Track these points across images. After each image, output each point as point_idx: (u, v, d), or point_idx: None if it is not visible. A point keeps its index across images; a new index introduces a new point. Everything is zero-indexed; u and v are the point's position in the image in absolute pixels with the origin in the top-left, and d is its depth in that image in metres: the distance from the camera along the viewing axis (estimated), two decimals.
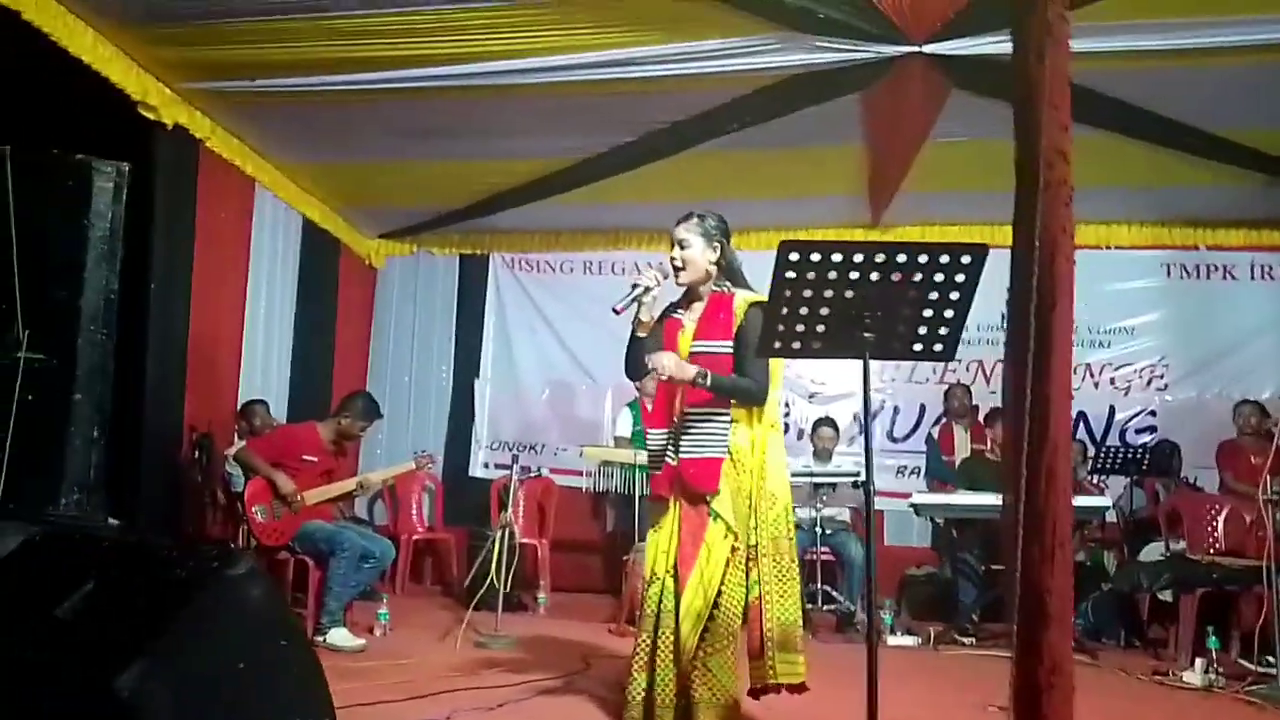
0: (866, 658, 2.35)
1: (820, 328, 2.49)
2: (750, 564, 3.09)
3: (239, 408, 6.05)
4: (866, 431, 2.54)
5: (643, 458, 5.77)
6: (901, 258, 2.40)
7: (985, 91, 4.94)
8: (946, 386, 7.01)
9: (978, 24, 4.34)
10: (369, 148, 6.15)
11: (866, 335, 2.46)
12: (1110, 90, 4.91)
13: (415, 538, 7.03)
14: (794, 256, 2.39)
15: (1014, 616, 1.69)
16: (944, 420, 7.00)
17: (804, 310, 2.47)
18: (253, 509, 4.88)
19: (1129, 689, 4.46)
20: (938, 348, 2.52)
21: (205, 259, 5.72)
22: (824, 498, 5.96)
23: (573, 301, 7.84)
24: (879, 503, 2.56)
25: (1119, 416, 7.15)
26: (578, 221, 7.60)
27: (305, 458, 5.09)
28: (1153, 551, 5.78)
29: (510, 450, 7.44)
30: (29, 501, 3.34)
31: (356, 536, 4.97)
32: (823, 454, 6.49)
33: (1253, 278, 7.18)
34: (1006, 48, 4.26)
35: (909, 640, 5.43)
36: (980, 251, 2.37)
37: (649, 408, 6.51)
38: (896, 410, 7.38)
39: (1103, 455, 6.44)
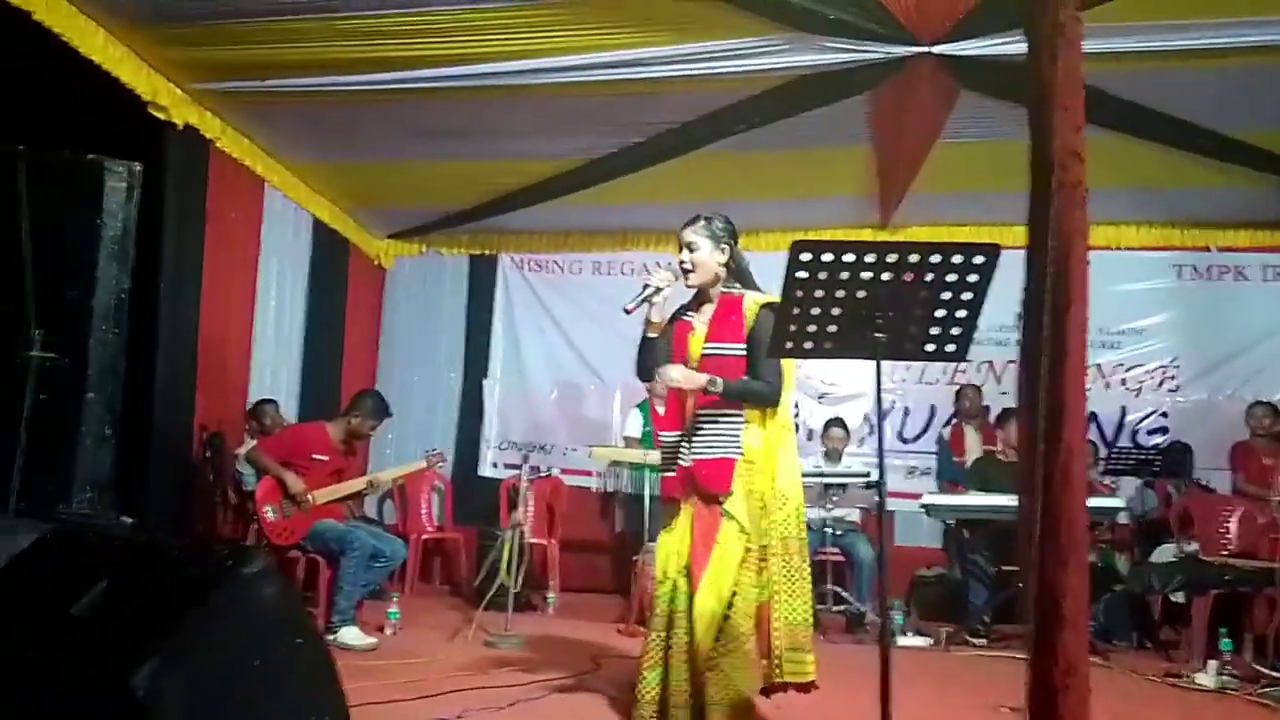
0: (879, 658, 2.34)
1: (832, 328, 2.48)
2: (762, 564, 3.10)
3: (249, 407, 6.07)
4: (879, 432, 2.53)
5: (652, 458, 5.83)
6: (914, 258, 2.39)
7: (994, 92, 4.94)
8: (957, 387, 7.00)
9: (987, 25, 4.33)
10: (379, 148, 6.16)
11: (878, 335, 2.45)
12: (1121, 91, 4.90)
13: (424, 537, 7.05)
14: (806, 256, 2.38)
15: (1029, 618, 1.69)
16: (955, 421, 6.98)
17: (816, 310, 2.46)
18: (264, 508, 4.90)
19: (1141, 690, 4.45)
20: (950, 348, 2.51)
21: (215, 259, 5.73)
22: (834, 498, 5.95)
23: (581, 302, 7.85)
24: (889, 503, 2.56)
25: (1130, 417, 7.12)
26: (586, 222, 7.61)
27: (315, 457, 5.11)
28: (1165, 553, 5.76)
29: (520, 450, 7.46)
30: (41, 500, 3.35)
31: (367, 536, 4.99)
32: (833, 455, 6.49)
33: (1264, 279, 7.14)
34: (1016, 48, 4.29)
35: (920, 641, 5.42)
36: (993, 251, 2.36)
37: (658, 409, 6.52)
38: (907, 411, 7.36)
39: (1114, 456, 6.42)
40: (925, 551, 6.83)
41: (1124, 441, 6.95)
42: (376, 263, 8.09)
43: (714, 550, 3.06)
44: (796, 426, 6.81)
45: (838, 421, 6.65)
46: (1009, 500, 5.20)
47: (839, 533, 6.04)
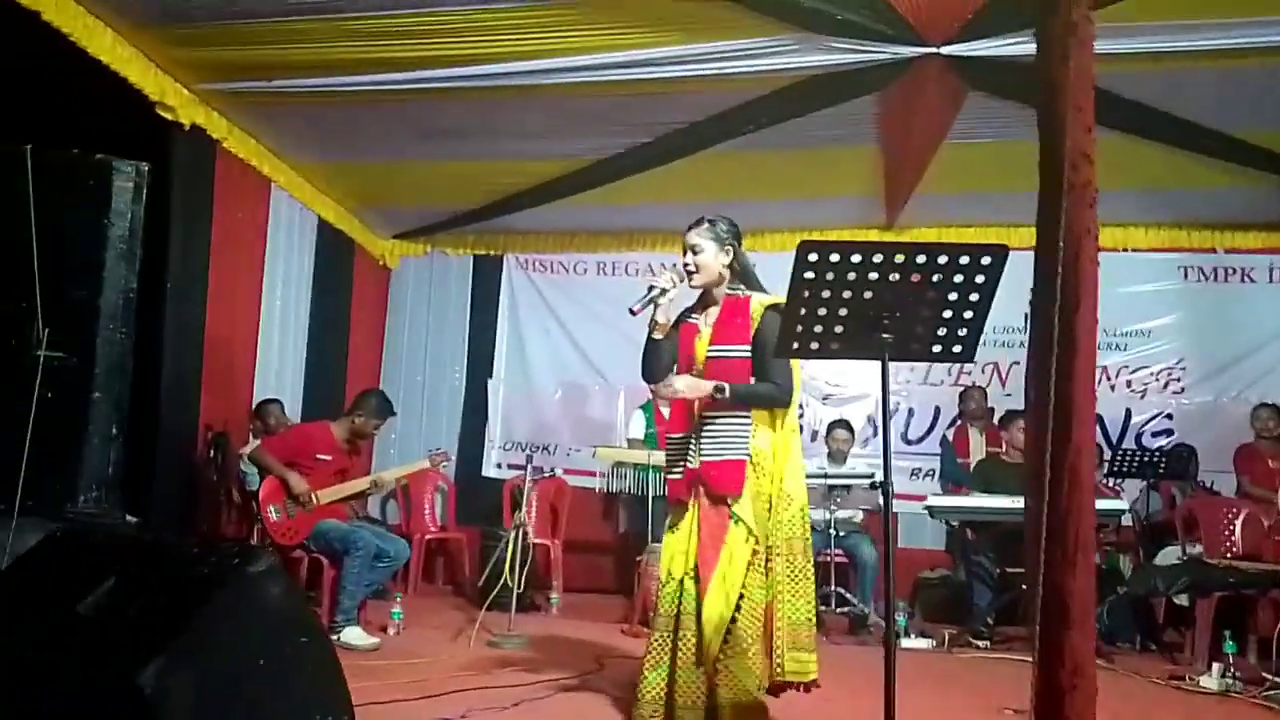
0: (884, 660, 2.34)
1: (839, 328, 2.48)
2: (767, 565, 3.11)
3: (254, 407, 6.08)
4: (885, 432, 2.53)
5: (655, 459, 5.84)
6: (921, 258, 2.38)
7: (1002, 93, 4.94)
8: (962, 389, 7.00)
9: (995, 25, 4.33)
10: (385, 148, 6.17)
11: (885, 336, 2.44)
12: (1127, 92, 4.89)
13: (428, 537, 7.04)
14: (813, 257, 2.37)
15: (1035, 619, 1.69)
16: (959, 423, 6.98)
17: (822, 311, 2.45)
18: (267, 508, 4.90)
19: (1145, 693, 4.44)
20: (957, 349, 2.51)
21: (221, 259, 5.74)
22: (838, 500, 5.94)
23: (586, 302, 7.85)
24: (893, 505, 2.55)
25: (1135, 419, 7.11)
26: (592, 223, 7.61)
27: (319, 456, 5.11)
28: (1169, 555, 5.75)
29: (524, 450, 7.46)
30: (48, 499, 3.36)
31: (371, 535, 4.99)
32: (837, 456, 6.48)
33: (1270, 280, 7.12)
34: (1024, 49, 4.29)
35: (923, 643, 5.41)
36: (1000, 252, 2.35)
37: (663, 410, 6.53)
38: (911, 412, 7.35)
39: (1119, 458, 6.40)
40: (929, 553, 6.81)
41: (1129, 443, 6.93)
42: (381, 263, 8.09)
43: (721, 553, 3.06)
44: (801, 428, 6.81)
45: (842, 423, 6.65)
46: (1013, 502, 5.20)
47: (843, 534, 6.03)
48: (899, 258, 2.39)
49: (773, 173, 6.24)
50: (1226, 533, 5.52)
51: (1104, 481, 6.31)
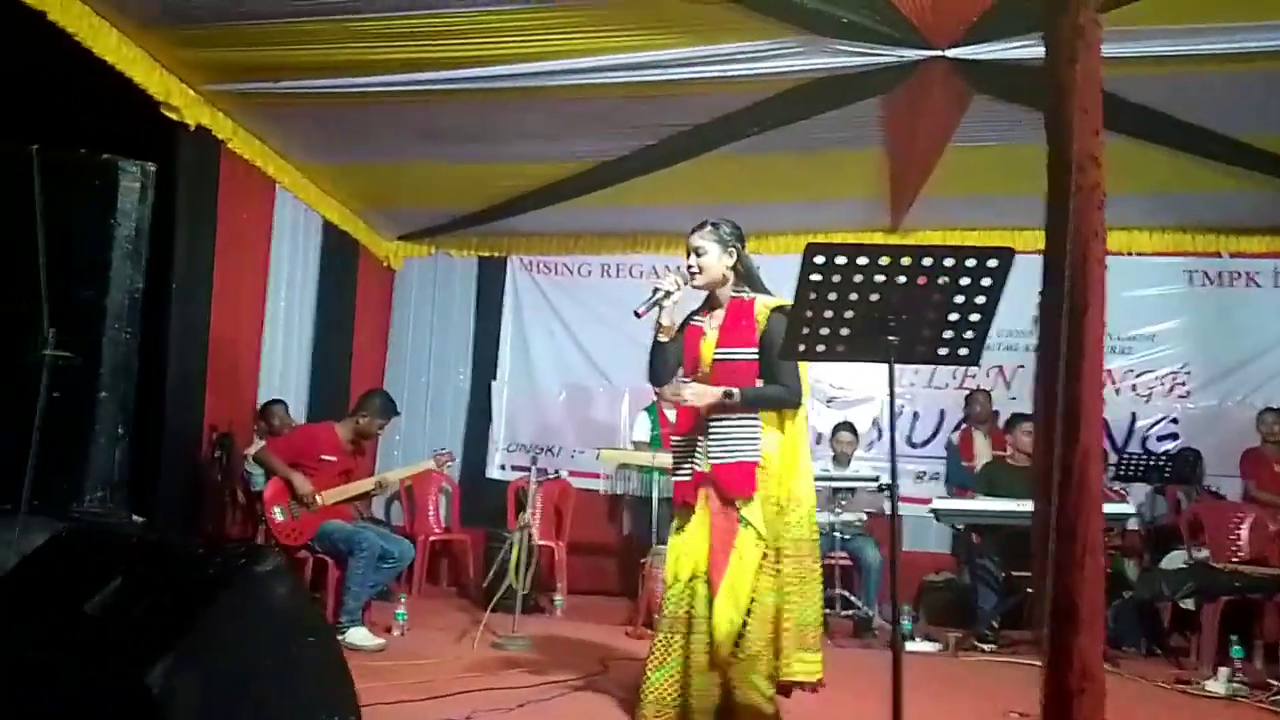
0: (892, 663, 2.33)
1: (845, 331, 2.48)
2: (777, 567, 3.11)
3: (258, 408, 6.08)
4: (892, 434, 2.51)
5: (660, 460, 5.83)
6: (927, 261, 2.38)
7: (1008, 96, 4.94)
8: (967, 392, 6.99)
9: (1001, 28, 4.33)
10: (389, 150, 6.18)
11: (891, 339, 2.45)
12: (1132, 95, 4.89)
13: (432, 539, 7.04)
14: (819, 259, 2.37)
15: (1044, 622, 1.68)
16: (964, 426, 6.97)
17: (829, 313, 2.45)
18: (272, 509, 4.91)
19: (1152, 697, 4.43)
20: (963, 352, 2.50)
21: (226, 259, 5.75)
22: (843, 502, 5.94)
23: (590, 304, 7.86)
24: (898, 508, 2.54)
25: (1140, 423, 7.10)
26: (596, 224, 7.62)
27: (323, 457, 5.12)
28: (1174, 559, 5.74)
29: (528, 452, 7.47)
30: (54, 499, 3.36)
31: (375, 536, 4.99)
32: (841, 458, 6.48)
33: (1275, 284, 7.12)
34: (1030, 52, 4.29)
35: (928, 646, 5.40)
36: (1006, 255, 2.35)
37: (667, 412, 6.52)
38: (916, 415, 7.35)
39: (1124, 462, 6.40)
40: (933, 556, 6.81)
41: (1134, 447, 6.92)
42: (386, 264, 8.10)
43: (732, 557, 3.08)
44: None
45: (846, 425, 6.65)
46: (1019, 505, 5.19)
47: (847, 537, 6.03)
48: (905, 260, 2.39)
49: (777, 175, 6.24)
50: (1232, 537, 5.51)
51: (1109, 486, 6.30)
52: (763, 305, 3.23)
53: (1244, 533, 5.53)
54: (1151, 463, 6.36)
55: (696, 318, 3.39)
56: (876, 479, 5.96)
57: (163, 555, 2.22)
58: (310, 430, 5.48)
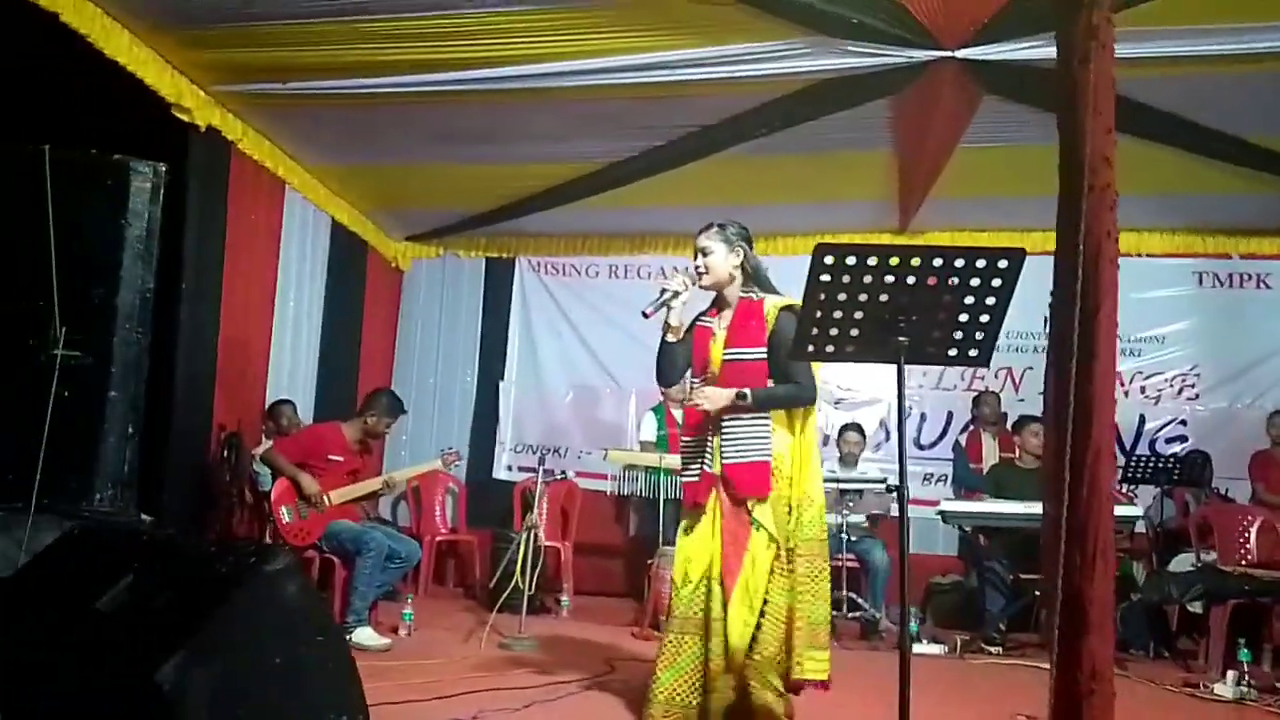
0: (899, 664, 2.32)
1: (854, 331, 2.48)
2: (790, 566, 3.12)
3: (266, 408, 6.09)
4: (901, 435, 2.51)
5: (667, 461, 5.83)
6: (937, 261, 2.38)
7: (1017, 97, 4.93)
8: (975, 393, 6.98)
9: (1011, 30, 4.32)
10: (398, 151, 6.19)
11: (901, 339, 2.44)
12: (1143, 97, 4.88)
13: (438, 539, 7.05)
14: (829, 259, 2.38)
15: (1053, 623, 1.68)
16: (971, 428, 6.96)
17: (838, 314, 2.45)
18: (279, 509, 4.92)
19: (1160, 700, 4.41)
20: (973, 352, 2.50)
21: (236, 260, 5.76)
22: (850, 504, 5.93)
23: (598, 305, 7.86)
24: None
25: (1149, 425, 7.08)
26: (604, 225, 7.62)
27: (331, 457, 5.12)
28: (1182, 562, 5.72)
29: (535, 453, 7.48)
30: (64, 497, 3.38)
31: (383, 536, 4.99)
32: (848, 459, 6.47)
33: None
34: (1041, 53, 4.29)
35: (935, 649, 5.39)
36: (1017, 256, 2.34)
37: (674, 412, 6.52)
38: (924, 417, 7.33)
39: (1133, 464, 6.38)
40: (940, 558, 6.79)
41: (1142, 450, 6.90)
42: (394, 265, 8.12)
43: (744, 560, 3.09)
44: None
45: (853, 425, 6.64)
46: (1026, 507, 5.18)
47: (853, 538, 6.02)
48: (915, 261, 2.38)
49: (786, 176, 6.23)
50: (1241, 540, 5.49)
51: (1117, 488, 6.28)
52: (771, 305, 3.24)
53: (1253, 536, 5.51)
54: (1160, 465, 6.33)
55: (705, 318, 3.40)
56: (884, 480, 5.94)
57: (173, 553, 2.23)
58: (317, 430, 5.49)
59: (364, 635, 4.68)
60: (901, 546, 2.43)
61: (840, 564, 5.80)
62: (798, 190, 6.50)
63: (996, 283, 2.38)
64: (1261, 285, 7.12)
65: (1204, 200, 6.47)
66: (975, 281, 2.39)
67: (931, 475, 7.17)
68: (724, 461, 3.17)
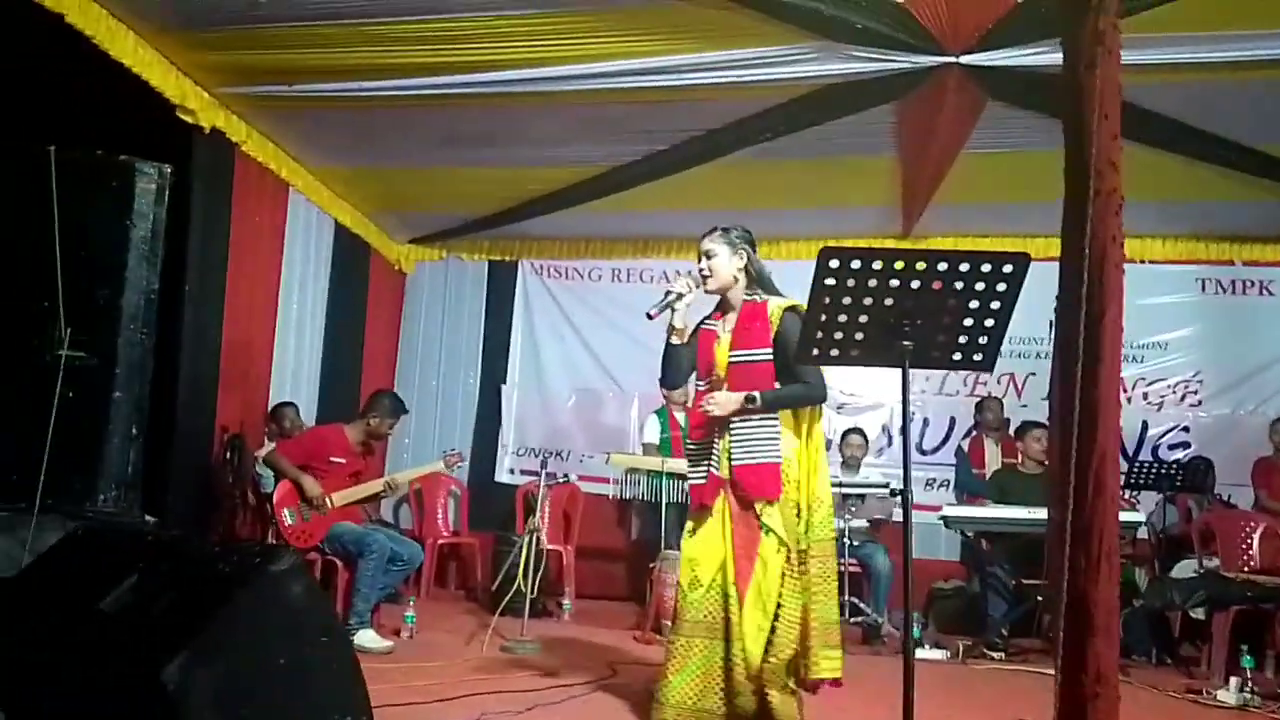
0: (903, 670, 2.32)
1: (859, 335, 2.48)
2: (802, 568, 3.13)
3: (269, 410, 6.10)
4: (905, 439, 2.51)
5: (670, 465, 5.83)
6: (942, 266, 2.38)
7: (1022, 103, 4.93)
8: (978, 399, 6.98)
9: (1016, 36, 4.32)
10: (402, 153, 6.19)
11: (906, 343, 2.45)
12: (1146, 103, 4.87)
13: (440, 542, 7.05)
14: (834, 263, 2.38)
15: (1059, 626, 1.68)
16: (975, 433, 6.95)
17: (843, 318, 2.46)
18: (282, 511, 4.92)
19: (1163, 706, 4.41)
20: (978, 357, 2.50)
21: (239, 262, 5.76)
22: (852, 508, 5.92)
23: (601, 309, 7.87)
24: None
25: (1152, 432, 7.07)
26: (607, 229, 7.62)
27: (333, 459, 5.13)
28: (1185, 568, 5.71)
29: (537, 456, 7.48)
30: (68, 497, 3.38)
31: (385, 539, 4.99)
32: (851, 463, 6.46)
33: None
34: (1045, 59, 4.29)
35: (937, 654, 5.38)
36: (1022, 261, 2.35)
37: (677, 416, 6.53)
38: (926, 422, 7.32)
39: (1135, 471, 6.37)
40: (943, 564, 6.78)
41: (1145, 456, 6.90)
42: (397, 267, 8.12)
43: (755, 565, 3.10)
44: None
45: (856, 430, 6.64)
46: (1029, 513, 5.18)
47: (856, 543, 6.01)
48: (920, 265, 2.39)
49: (789, 181, 6.23)
50: (1244, 546, 5.48)
51: (1120, 493, 6.27)
52: (775, 305, 3.25)
53: (1255, 542, 5.50)
54: (1163, 471, 6.32)
55: (709, 322, 3.41)
56: (887, 485, 5.94)
57: (178, 554, 2.23)
58: (320, 432, 5.49)
59: (366, 637, 4.68)
60: (905, 552, 2.43)
61: (842, 569, 5.77)
62: (801, 195, 6.50)
63: (1001, 287, 2.39)
64: (1264, 292, 7.12)
65: (1207, 207, 6.48)
66: (980, 286, 2.39)
67: (934, 480, 7.17)
68: (733, 464, 3.18)
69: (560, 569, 6.59)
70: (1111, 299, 1.70)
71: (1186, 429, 7.05)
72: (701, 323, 3.42)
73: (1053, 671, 1.85)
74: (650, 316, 3.26)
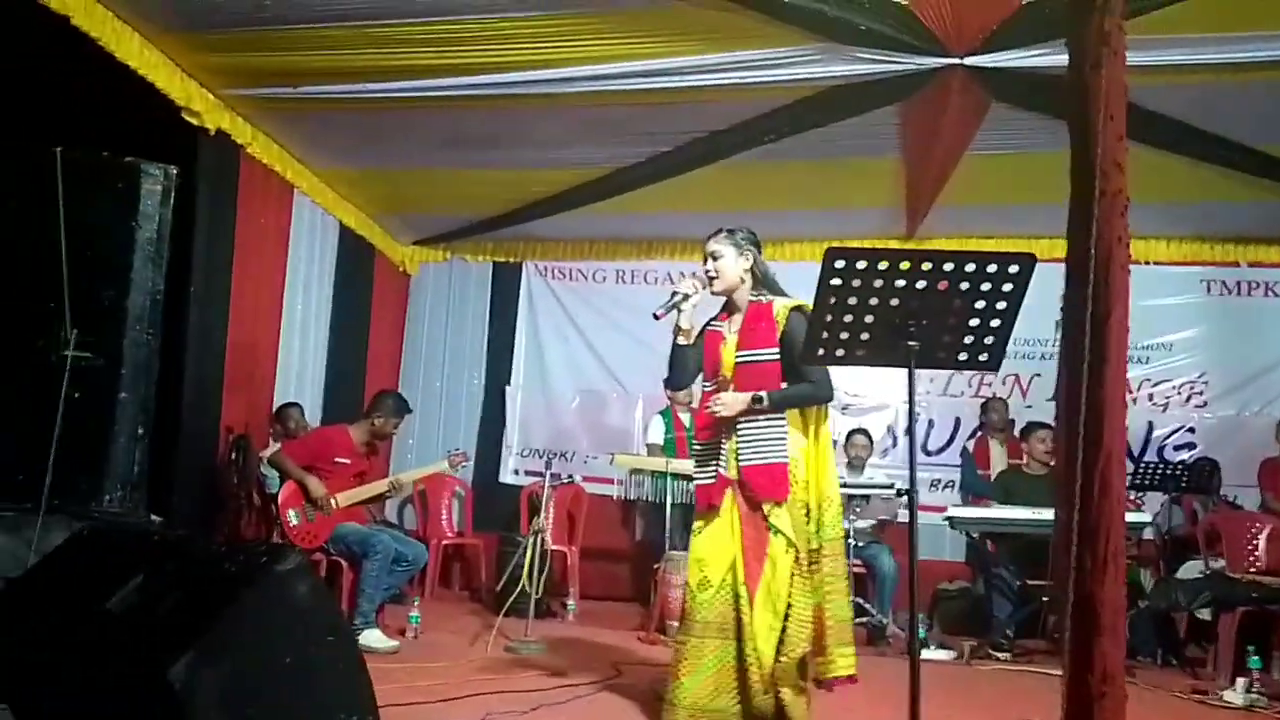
0: (910, 671, 2.32)
1: (865, 335, 2.48)
2: (814, 567, 3.14)
3: (274, 410, 6.11)
4: (911, 439, 2.52)
5: (674, 466, 5.83)
6: (948, 266, 2.38)
7: (1026, 104, 4.92)
8: (982, 400, 6.98)
9: (1020, 37, 4.32)
10: (407, 155, 6.20)
11: (911, 344, 2.45)
12: (1152, 105, 4.87)
13: (445, 543, 7.06)
14: (840, 264, 2.38)
15: (1066, 626, 1.68)
16: (980, 434, 6.95)
17: (849, 318, 2.46)
18: (286, 512, 4.93)
19: (1169, 707, 4.40)
20: (983, 357, 2.50)
21: (244, 263, 5.77)
22: (857, 509, 5.92)
23: (604, 310, 7.88)
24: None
25: (1157, 433, 7.06)
26: (611, 231, 7.63)
27: (337, 460, 5.14)
28: (1190, 569, 5.70)
29: (541, 457, 7.49)
30: (74, 497, 3.39)
31: (389, 539, 5.00)
32: (855, 463, 6.46)
33: None
34: (1049, 60, 4.28)
35: (943, 654, 5.38)
36: (1028, 261, 2.35)
37: (681, 416, 6.53)
38: (931, 423, 7.32)
39: (1141, 472, 6.37)
40: (947, 565, 6.77)
41: (1150, 457, 6.89)
42: (401, 269, 8.13)
43: (765, 565, 3.11)
44: None
45: (861, 430, 6.63)
46: (1034, 514, 5.18)
47: (860, 544, 6.00)
48: (926, 265, 2.39)
49: (793, 182, 6.23)
50: (1250, 547, 5.47)
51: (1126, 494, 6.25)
52: (781, 305, 3.26)
53: (1261, 543, 5.48)
54: (1168, 472, 6.31)
55: (715, 323, 3.42)
56: (892, 486, 5.93)
57: (184, 554, 2.24)
58: (324, 433, 5.50)
59: (372, 637, 4.68)
60: (911, 552, 2.43)
61: (848, 569, 5.78)
62: (805, 196, 6.50)
63: (1007, 287, 2.39)
64: (1269, 293, 7.11)
65: (1212, 208, 6.47)
66: (986, 286, 2.39)
67: (939, 481, 7.17)
68: (740, 464, 3.19)
69: (564, 569, 6.59)
70: (1117, 300, 1.70)
71: (1192, 430, 7.05)
72: (708, 324, 3.44)
73: (1058, 672, 1.85)
74: (657, 317, 3.28)
